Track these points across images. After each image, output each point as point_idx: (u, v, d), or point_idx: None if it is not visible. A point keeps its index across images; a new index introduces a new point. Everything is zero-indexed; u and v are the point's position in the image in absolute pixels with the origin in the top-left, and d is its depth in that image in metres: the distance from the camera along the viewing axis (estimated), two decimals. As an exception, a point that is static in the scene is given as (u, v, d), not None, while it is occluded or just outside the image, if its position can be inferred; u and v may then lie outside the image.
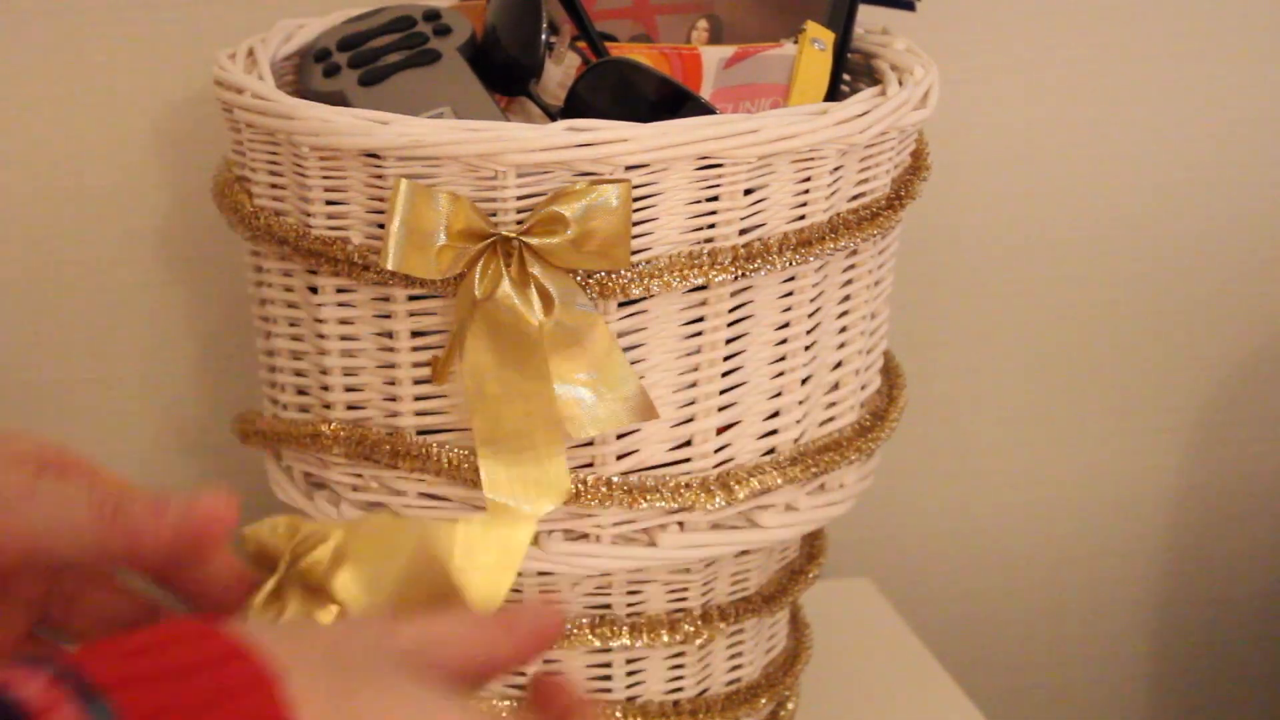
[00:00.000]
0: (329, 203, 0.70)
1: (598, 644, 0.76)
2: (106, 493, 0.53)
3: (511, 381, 0.68)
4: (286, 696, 0.43)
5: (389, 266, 0.66)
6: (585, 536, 0.73)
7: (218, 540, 0.53)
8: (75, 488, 0.53)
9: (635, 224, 0.67)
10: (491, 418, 0.68)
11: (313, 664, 0.46)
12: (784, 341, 0.73)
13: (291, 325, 0.75)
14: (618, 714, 0.78)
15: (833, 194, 0.71)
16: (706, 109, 0.71)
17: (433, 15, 0.78)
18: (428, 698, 0.48)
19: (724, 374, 0.72)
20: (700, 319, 0.70)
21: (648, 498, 0.71)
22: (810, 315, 0.73)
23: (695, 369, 0.71)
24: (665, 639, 0.76)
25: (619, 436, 0.71)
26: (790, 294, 0.72)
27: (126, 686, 0.41)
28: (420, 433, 0.72)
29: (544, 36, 0.76)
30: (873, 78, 0.80)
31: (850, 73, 0.83)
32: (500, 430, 0.68)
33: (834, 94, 0.78)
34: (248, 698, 0.43)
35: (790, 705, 0.86)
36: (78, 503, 0.52)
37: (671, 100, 0.71)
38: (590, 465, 0.71)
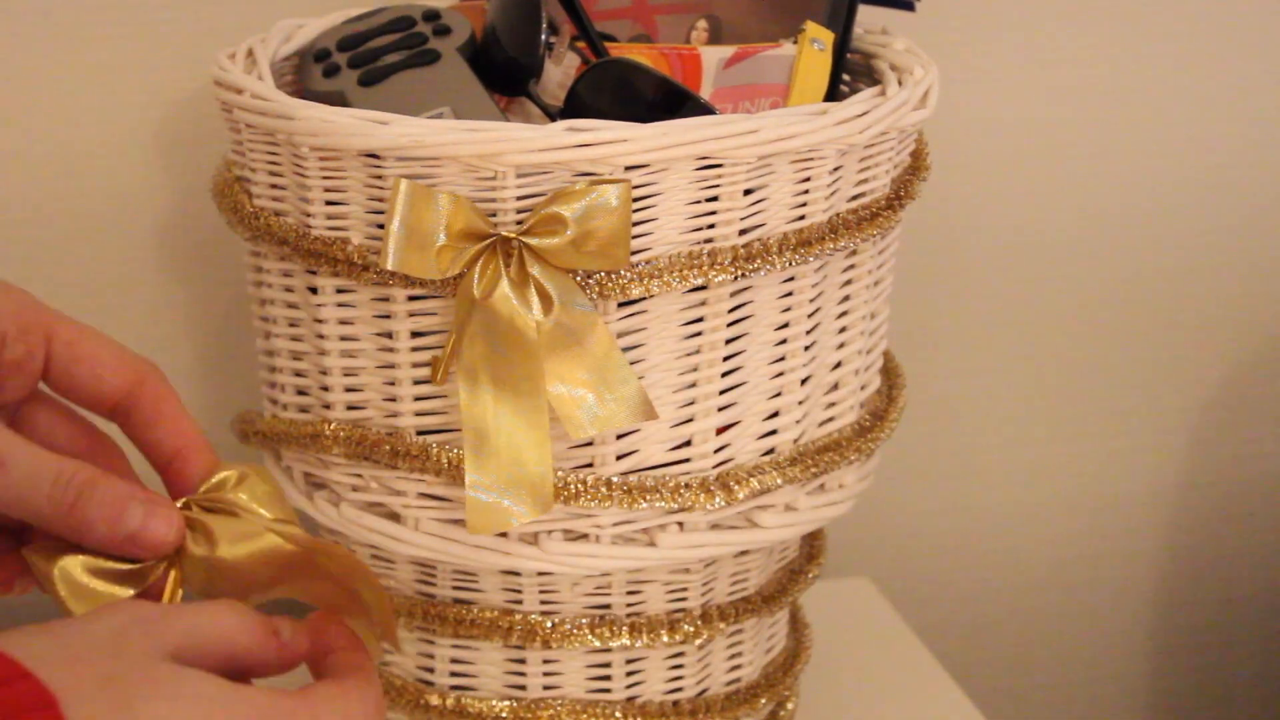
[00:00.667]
0: (329, 203, 0.70)
1: (597, 644, 0.76)
2: (70, 481, 0.56)
3: (507, 382, 0.68)
4: (67, 716, 0.47)
5: (388, 266, 0.66)
6: (585, 537, 0.73)
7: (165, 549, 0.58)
8: (43, 465, 0.56)
9: (635, 224, 0.67)
10: (484, 418, 0.68)
11: (92, 678, 0.49)
12: (784, 342, 0.73)
13: (291, 325, 0.75)
14: (617, 714, 0.78)
15: (832, 194, 0.71)
16: (706, 109, 0.71)
17: (432, 15, 0.78)
18: (205, 693, 0.51)
19: (724, 374, 0.72)
20: (700, 319, 0.70)
21: (647, 498, 0.71)
22: (810, 315, 0.73)
23: (695, 369, 0.71)
24: (665, 639, 0.76)
25: (619, 437, 0.71)
26: (790, 294, 0.72)
27: None
28: (420, 433, 0.72)
29: (543, 37, 0.76)
30: (872, 78, 0.80)
31: (850, 73, 0.83)
32: (491, 431, 0.68)
33: (834, 94, 0.78)
34: (31, 716, 0.47)
35: (790, 705, 0.86)
36: (39, 487, 0.55)
37: (671, 100, 0.71)
38: (590, 465, 0.71)
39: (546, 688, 0.78)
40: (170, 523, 0.57)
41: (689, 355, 0.71)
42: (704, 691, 0.80)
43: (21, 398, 0.60)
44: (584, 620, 0.76)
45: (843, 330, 0.76)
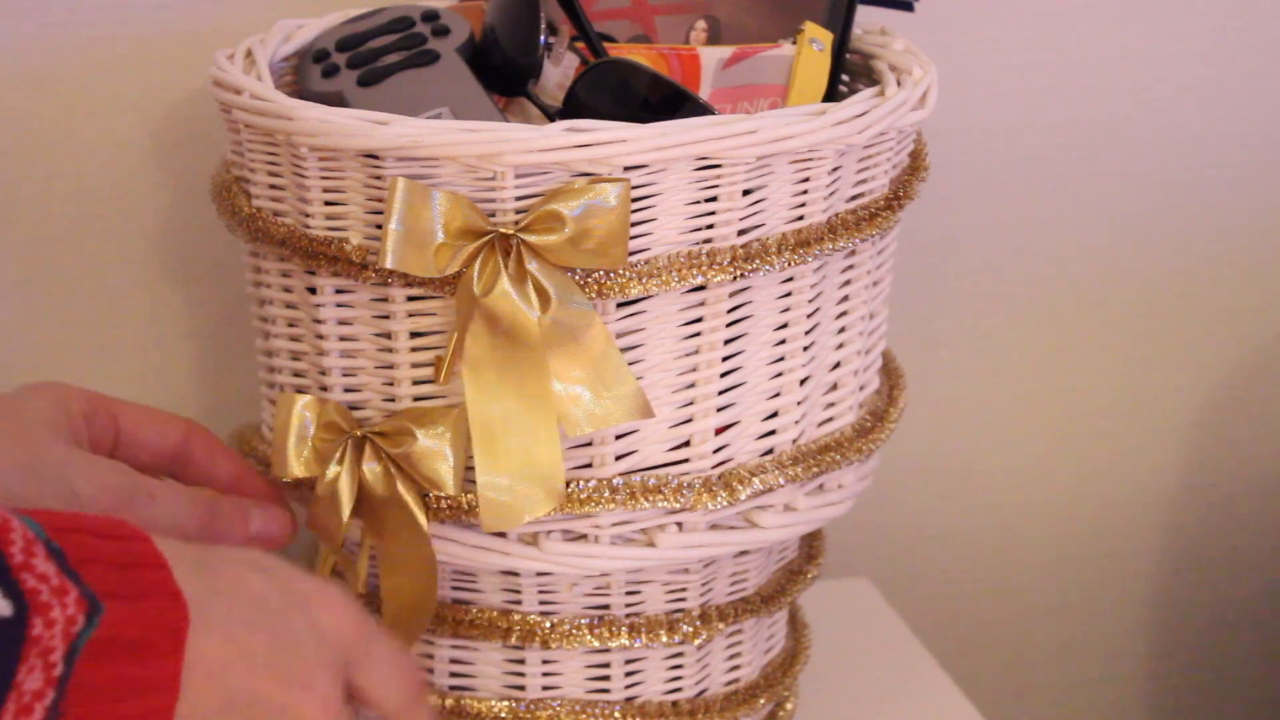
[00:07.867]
0: (328, 203, 0.70)
1: (596, 644, 0.76)
2: (203, 503, 0.69)
3: (512, 378, 0.68)
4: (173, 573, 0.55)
5: (387, 265, 0.66)
6: (584, 537, 0.73)
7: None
8: (184, 499, 0.69)
9: (634, 224, 0.67)
10: (491, 414, 0.68)
11: (186, 555, 0.57)
12: (782, 342, 0.73)
13: (290, 326, 0.75)
14: (616, 714, 0.78)
15: (831, 194, 0.71)
16: (705, 109, 0.71)
17: (431, 16, 0.78)
18: (280, 572, 0.60)
19: (722, 374, 0.72)
20: (699, 319, 0.70)
21: (646, 498, 0.71)
22: (809, 316, 0.73)
23: (694, 369, 0.71)
24: (664, 639, 0.76)
25: (618, 437, 0.71)
26: (789, 294, 0.72)
27: (69, 535, 0.52)
28: (419, 433, 0.72)
29: (542, 37, 0.76)
30: (871, 78, 0.80)
31: (849, 73, 0.83)
32: (500, 427, 0.68)
33: (832, 94, 0.78)
34: (146, 562, 0.54)
35: (789, 705, 0.86)
36: (186, 511, 0.69)
37: (670, 101, 0.71)
38: (589, 465, 0.71)
39: (545, 688, 0.78)
40: (282, 521, 0.73)
41: (688, 355, 0.71)
42: (703, 692, 0.80)
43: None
44: (583, 620, 0.76)
45: (841, 330, 0.76)
